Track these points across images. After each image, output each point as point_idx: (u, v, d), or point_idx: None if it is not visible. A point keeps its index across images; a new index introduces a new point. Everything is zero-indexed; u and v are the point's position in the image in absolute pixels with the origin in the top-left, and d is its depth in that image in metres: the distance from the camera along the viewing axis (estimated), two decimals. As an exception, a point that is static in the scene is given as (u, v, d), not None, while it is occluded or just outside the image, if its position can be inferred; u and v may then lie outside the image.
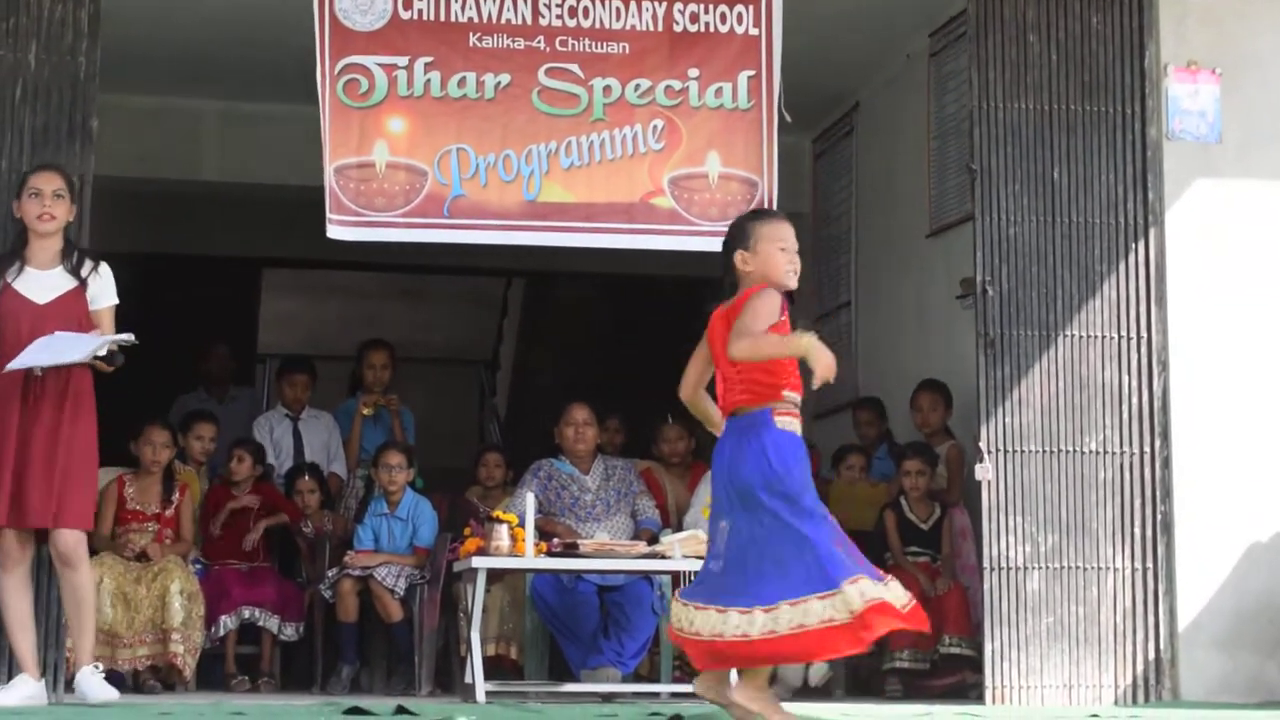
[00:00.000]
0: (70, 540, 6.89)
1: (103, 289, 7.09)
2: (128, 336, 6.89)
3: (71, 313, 6.97)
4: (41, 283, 7.01)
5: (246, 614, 8.85)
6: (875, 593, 5.21)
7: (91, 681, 6.90)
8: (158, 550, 8.57)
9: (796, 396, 5.55)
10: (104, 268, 7.12)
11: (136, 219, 11.71)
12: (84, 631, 6.99)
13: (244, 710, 6.68)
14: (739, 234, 5.70)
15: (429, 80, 7.92)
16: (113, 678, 8.32)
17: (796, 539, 5.34)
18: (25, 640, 6.92)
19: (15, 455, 6.80)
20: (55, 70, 7.57)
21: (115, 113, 8.99)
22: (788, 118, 8.13)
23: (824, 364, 5.33)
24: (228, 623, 8.77)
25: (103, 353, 6.82)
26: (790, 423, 5.51)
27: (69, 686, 7.19)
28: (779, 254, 5.64)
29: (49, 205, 7.04)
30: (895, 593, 5.26)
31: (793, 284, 5.66)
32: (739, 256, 5.66)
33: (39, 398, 6.84)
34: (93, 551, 8.45)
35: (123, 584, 8.36)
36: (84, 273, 7.05)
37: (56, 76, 7.57)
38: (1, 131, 7.49)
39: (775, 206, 8.10)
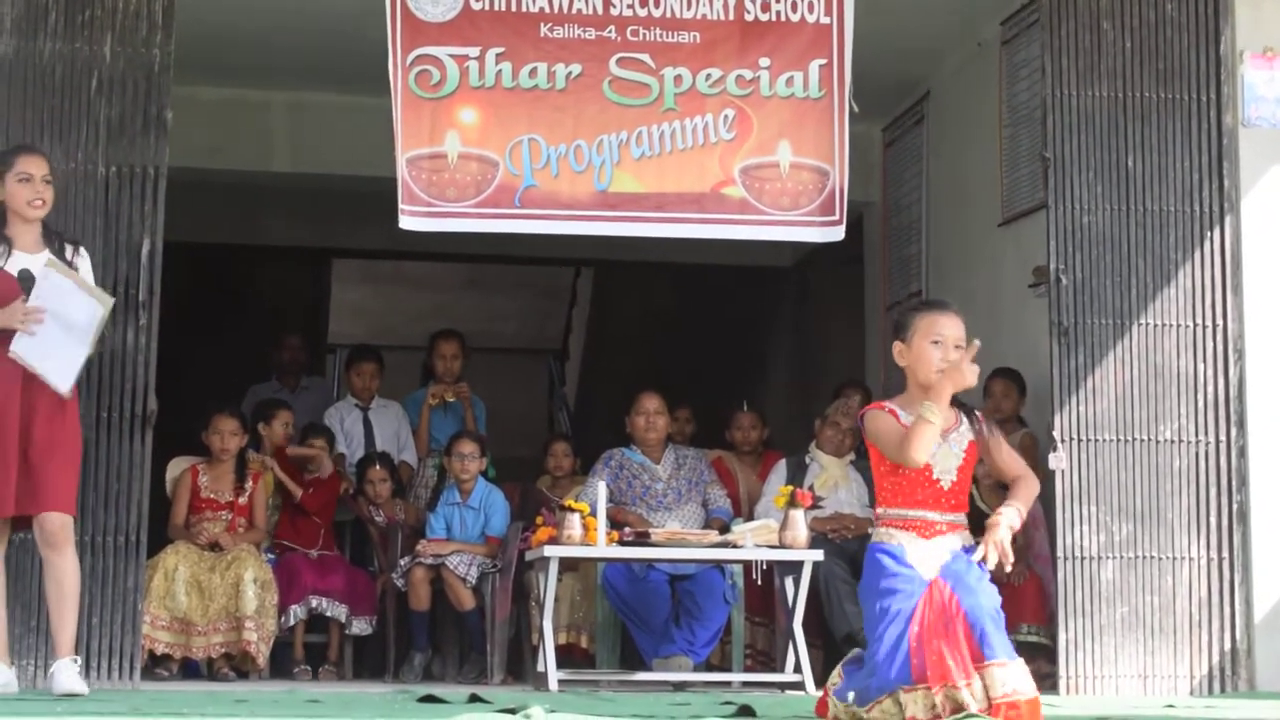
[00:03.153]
0: (56, 523, 6.76)
1: (85, 273, 6.99)
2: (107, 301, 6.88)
3: None
4: (31, 266, 6.85)
5: (315, 603, 8.89)
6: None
7: (68, 673, 6.67)
8: (230, 539, 8.63)
9: (901, 512, 5.41)
10: (83, 251, 7.04)
11: (208, 210, 11.81)
12: (65, 622, 6.77)
13: (319, 698, 6.73)
14: (899, 323, 5.54)
15: (500, 71, 7.93)
16: (187, 665, 8.44)
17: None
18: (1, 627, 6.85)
19: (20, 442, 6.71)
20: (130, 62, 7.61)
21: (188, 104, 9.04)
22: (855, 109, 8.11)
23: (958, 381, 5.30)
24: (297, 612, 8.81)
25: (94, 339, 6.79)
26: (886, 534, 5.41)
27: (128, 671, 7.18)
28: (929, 349, 5.40)
29: (41, 191, 6.90)
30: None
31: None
32: (896, 348, 5.51)
33: (36, 381, 6.74)
34: (168, 540, 8.55)
35: (197, 572, 8.41)
36: (69, 256, 6.95)
37: (131, 69, 7.61)
38: (78, 124, 7.54)
39: (846, 196, 8.09)
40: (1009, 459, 5.60)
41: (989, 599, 5.25)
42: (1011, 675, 5.16)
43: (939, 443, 5.40)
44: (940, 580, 5.29)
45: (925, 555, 5.33)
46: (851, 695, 5.38)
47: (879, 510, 5.49)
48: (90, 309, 6.77)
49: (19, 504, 6.72)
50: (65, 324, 6.72)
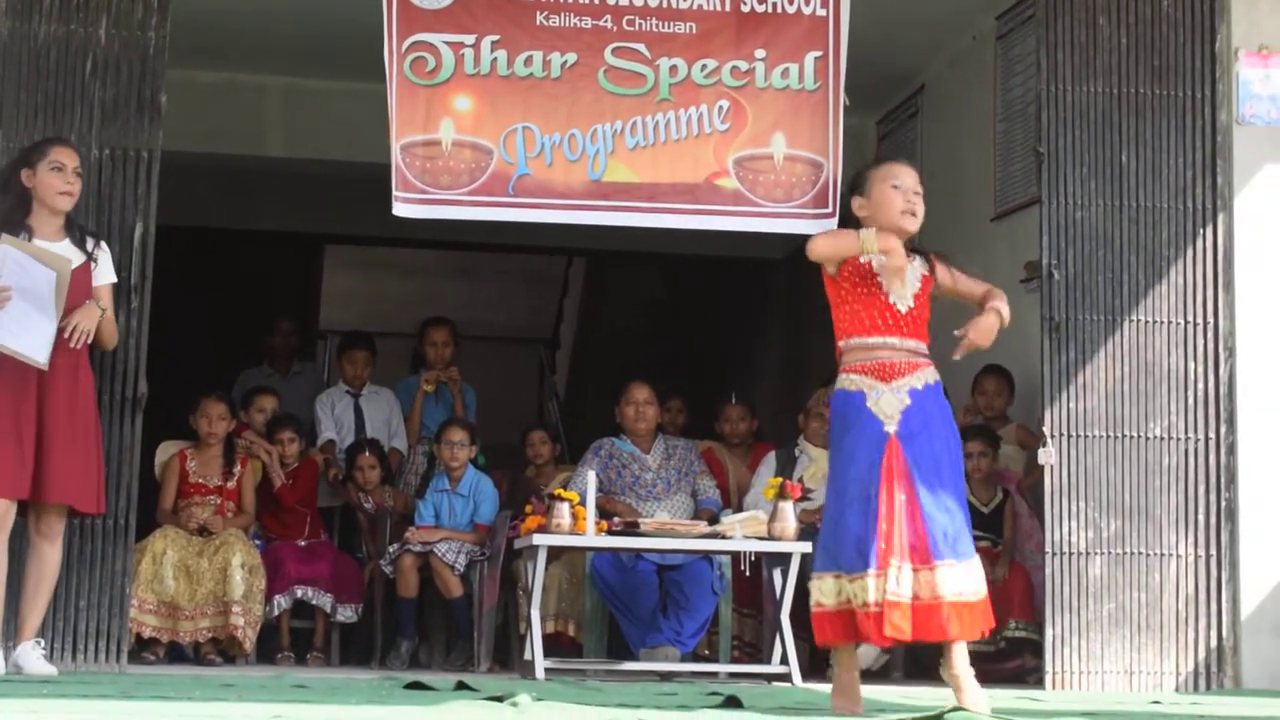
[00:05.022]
0: (59, 516, 6.94)
1: (106, 266, 7.14)
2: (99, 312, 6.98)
3: (81, 285, 6.97)
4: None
5: (300, 593, 8.89)
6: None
7: (32, 656, 6.89)
8: (219, 523, 8.63)
9: (862, 341, 5.40)
10: (104, 245, 7.18)
11: (201, 194, 11.80)
12: (38, 608, 6.97)
13: (306, 683, 6.72)
14: (855, 181, 5.57)
15: (496, 59, 7.92)
16: (174, 650, 8.44)
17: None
18: None
19: (36, 428, 6.81)
20: (125, 45, 7.61)
21: (182, 88, 9.03)
22: (848, 103, 8.10)
23: (893, 255, 5.26)
24: (281, 602, 8.81)
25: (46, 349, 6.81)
26: (848, 380, 5.39)
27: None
28: (891, 192, 5.44)
29: (72, 182, 7.05)
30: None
31: (909, 226, 5.45)
32: (855, 203, 5.52)
33: (55, 370, 6.85)
34: (155, 525, 8.55)
35: (185, 557, 8.40)
36: (89, 247, 7.08)
37: (126, 51, 7.61)
38: (72, 106, 7.54)
39: (839, 189, 8.09)
40: (970, 281, 5.65)
41: (942, 510, 5.24)
42: (949, 576, 5.20)
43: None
44: (898, 447, 5.27)
45: (886, 403, 5.32)
46: (829, 562, 5.35)
47: (840, 343, 5.47)
48: (47, 276, 6.80)
49: (45, 492, 6.86)
50: (32, 298, 6.77)
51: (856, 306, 5.42)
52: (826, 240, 5.47)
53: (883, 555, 5.18)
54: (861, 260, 5.40)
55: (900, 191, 5.45)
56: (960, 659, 5.31)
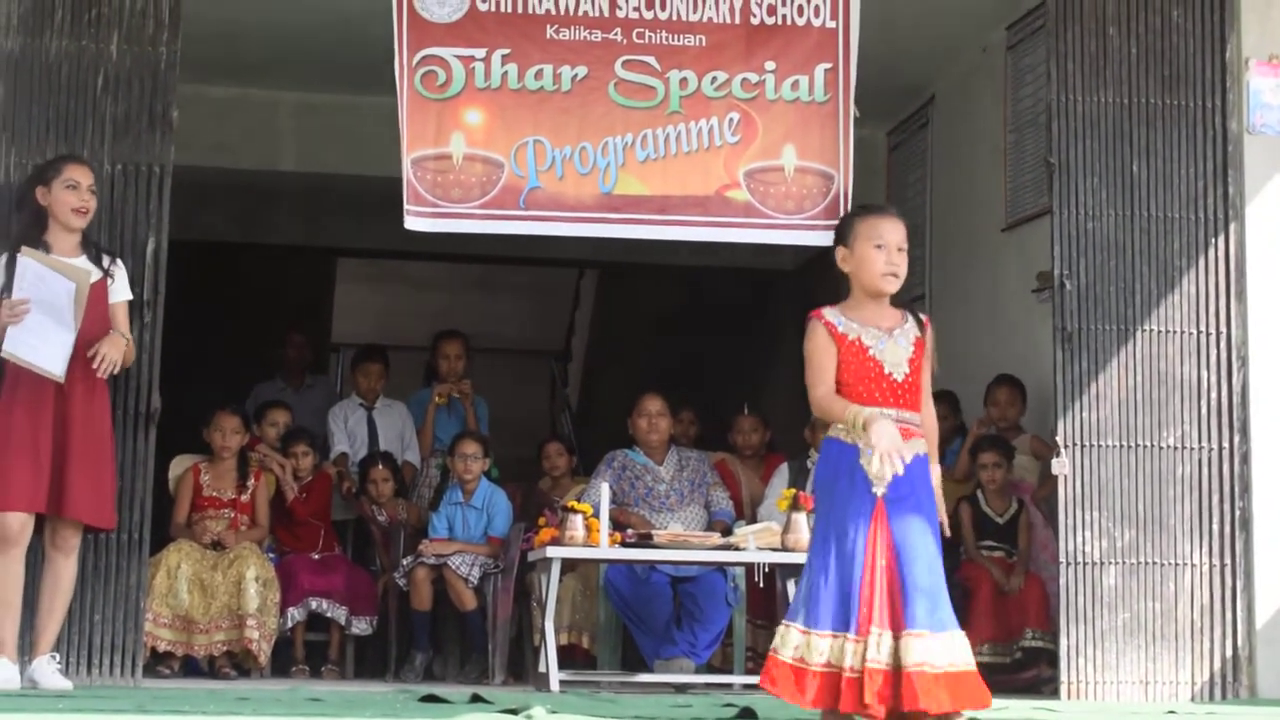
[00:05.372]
0: (74, 530, 6.96)
1: (122, 283, 7.17)
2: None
3: (98, 302, 7.00)
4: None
5: (314, 605, 8.90)
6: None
7: (48, 670, 6.91)
8: (233, 536, 8.64)
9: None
10: (120, 262, 7.20)
11: (213, 208, 11.84)
12: (54, 622, 6.99)
13: (321, 696, 6.73)
14: (842, 229, 5.44)
15: (506, 72, 7.93)
16: (189, 663, 8.44)
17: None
18: (11, 622, 6.91)
19: (53, 443, 6.85)
20: (136, 60, 7.62)
21: (194, 103, 9.05)
22: (857, 113, 8.11)
23: (881, 449, 5.11)
24: (295, 614, 8.82)
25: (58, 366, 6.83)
26: (844, 431, 5.26)
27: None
28: (873, 253, 5.29)
29: (86, 200, 7.09)
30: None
31: (887, 288, 5.31)
32: (839, 253, 5.40)
33: (71, 384, 6.88)
34: (170, 539, 8.56)
35: (199, 570, 8.41)
36: (105, 264, 7.11)
37: (138, 67, 7.62)
38: (84, 121, 7.55)
39: (850, 200, 8.09)
40: (927, 384, 5.45)
41: (927, 573, 5.13)
42: (925, 646, 5.05)
43: (885, 337, 5.33)
44: (884, 511, 5.16)
45: (879, 464, 5.16)
46: (802, 615, 5.23)
47: None
48: (66, 287, 6.83)
49: (65, 507, 6.88)
50: (51, 310, 6.80)
51: (851, 376, 5.31)
52: (823, 403, 5.31)
53: (864, 621, 5.11)
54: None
55: (883, 251, 5.31)
56: None
